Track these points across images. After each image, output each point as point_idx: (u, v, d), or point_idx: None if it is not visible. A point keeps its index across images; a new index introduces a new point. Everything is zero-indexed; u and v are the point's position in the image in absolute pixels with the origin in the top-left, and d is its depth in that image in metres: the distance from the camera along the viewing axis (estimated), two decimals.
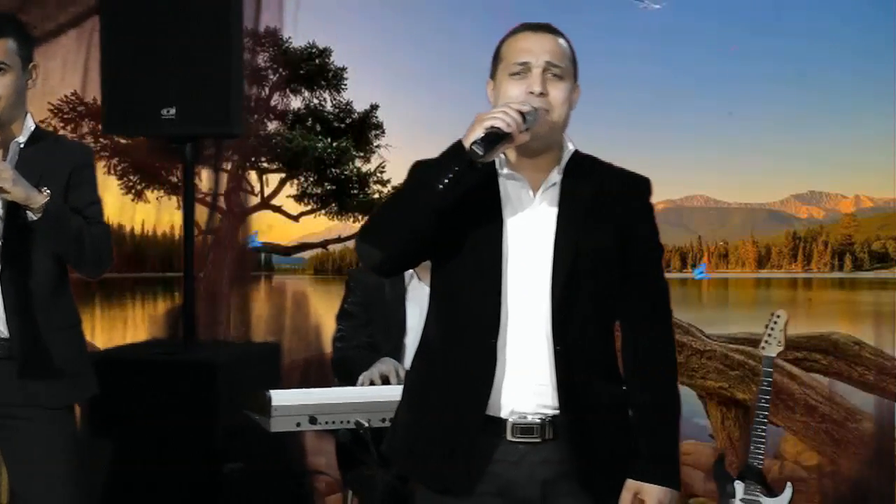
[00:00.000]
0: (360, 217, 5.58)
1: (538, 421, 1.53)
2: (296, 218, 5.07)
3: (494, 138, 1.43)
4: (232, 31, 2.99)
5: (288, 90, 5.07)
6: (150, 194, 4.70)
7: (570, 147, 1.62)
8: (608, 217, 1.57)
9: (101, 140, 4.51)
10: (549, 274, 1.53)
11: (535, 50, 1.55)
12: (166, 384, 2.86)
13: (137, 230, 4.68)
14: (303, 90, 5.10)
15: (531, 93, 1.53)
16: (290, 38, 4.98)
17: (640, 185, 1.65)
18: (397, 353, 2.51)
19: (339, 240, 5.94)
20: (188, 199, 3.13)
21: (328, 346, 2.82)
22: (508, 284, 1.54)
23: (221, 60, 2.97)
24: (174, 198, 4.24)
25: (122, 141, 4.50)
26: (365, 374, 2.36)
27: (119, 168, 4.63)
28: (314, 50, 5.07)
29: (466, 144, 1.44)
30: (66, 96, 4.38)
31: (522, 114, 1.47)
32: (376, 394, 2.10)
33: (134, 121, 3.04)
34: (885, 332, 4.16)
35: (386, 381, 2.33)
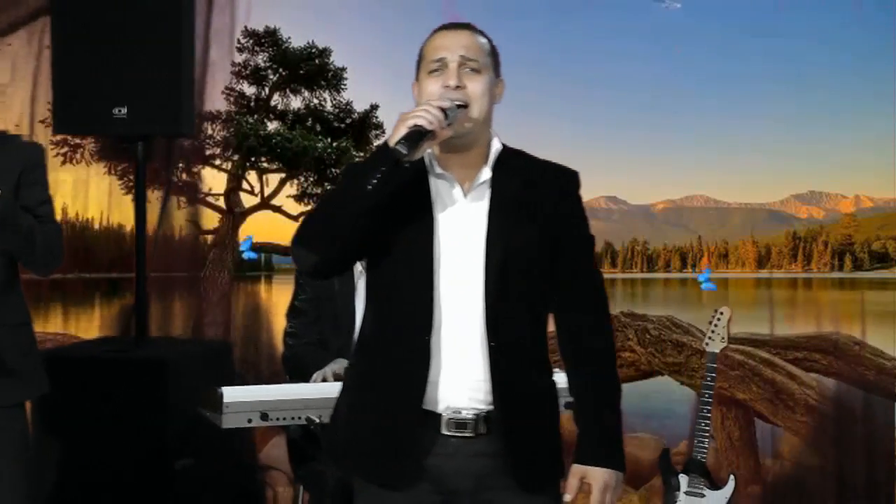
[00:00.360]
0: None
1: (471, 416, 1.56)
2: (296, 218, 5.06)
3: (418, 136, 1.45)
4: (183, 31, 3.00)
5: (288, 90, 5.06)
6: (151, 194, 4.68)
7: (497, 144, 1.65)
8: (538, 212, 1.60)
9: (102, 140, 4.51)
10: (481, 271, 1.55)
11: (451, 46, 1.57)
12: (117, 381, 2.87)
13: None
14: (303, 90, 5.09)
15: (448, 86, 1.54)
16: (289, 37, 4.98)
17: (569, 178, 1.67)
18: (347, 350, 2.52)
19: None
20: (139, 198, 3.13)
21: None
22: (441, 282, 1.56)
23: (172, 60, 2.97)
24: (173, 198, 4.23)
25: None
26: (318, 373, 2.39)
27: (119, 168, 4.61)
28: (314, 50, 5.06)
29: (391, 144, 1.45)
30: None
31: (444, 109, 1.48)
32: (327, 390, 2.12)
33: (85, 120, 3.04)
34: (886, 332, 4.16)
35: (339, 379, 2.35)
